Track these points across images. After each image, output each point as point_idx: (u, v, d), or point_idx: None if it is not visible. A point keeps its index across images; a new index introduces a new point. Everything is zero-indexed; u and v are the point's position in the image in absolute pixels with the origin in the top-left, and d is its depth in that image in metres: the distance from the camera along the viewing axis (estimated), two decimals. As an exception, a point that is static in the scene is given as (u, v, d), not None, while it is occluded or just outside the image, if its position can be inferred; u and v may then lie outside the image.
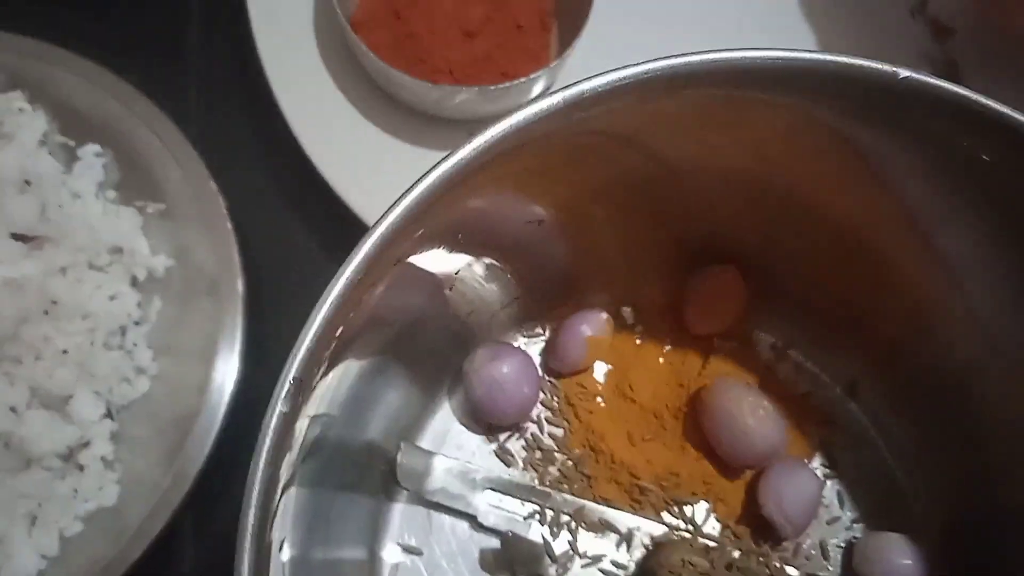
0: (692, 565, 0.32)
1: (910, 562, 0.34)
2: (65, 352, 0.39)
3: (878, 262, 0.33)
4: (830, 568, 0.35)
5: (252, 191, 0.46)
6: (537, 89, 0.46)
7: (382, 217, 0.24)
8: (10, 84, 0.44)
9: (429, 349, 0.33)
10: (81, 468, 0.39)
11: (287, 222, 0.46)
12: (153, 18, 0.49)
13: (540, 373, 0.35)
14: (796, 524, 0.34)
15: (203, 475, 0.39)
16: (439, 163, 0.24)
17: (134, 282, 0.42)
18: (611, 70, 0.25)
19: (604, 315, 0.35)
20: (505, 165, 0.25)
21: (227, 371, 0.40)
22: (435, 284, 0.31)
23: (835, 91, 0.26)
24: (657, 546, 0.33)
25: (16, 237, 0.40)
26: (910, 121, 0.27)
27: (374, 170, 0.44)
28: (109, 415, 0.40)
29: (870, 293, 0.35)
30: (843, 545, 0.35)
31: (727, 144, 0.31)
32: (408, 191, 0.24)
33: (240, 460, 0.41)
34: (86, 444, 0.40)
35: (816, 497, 0.34)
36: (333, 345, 0.23)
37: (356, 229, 0.42)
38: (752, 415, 0.33)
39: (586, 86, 0.25)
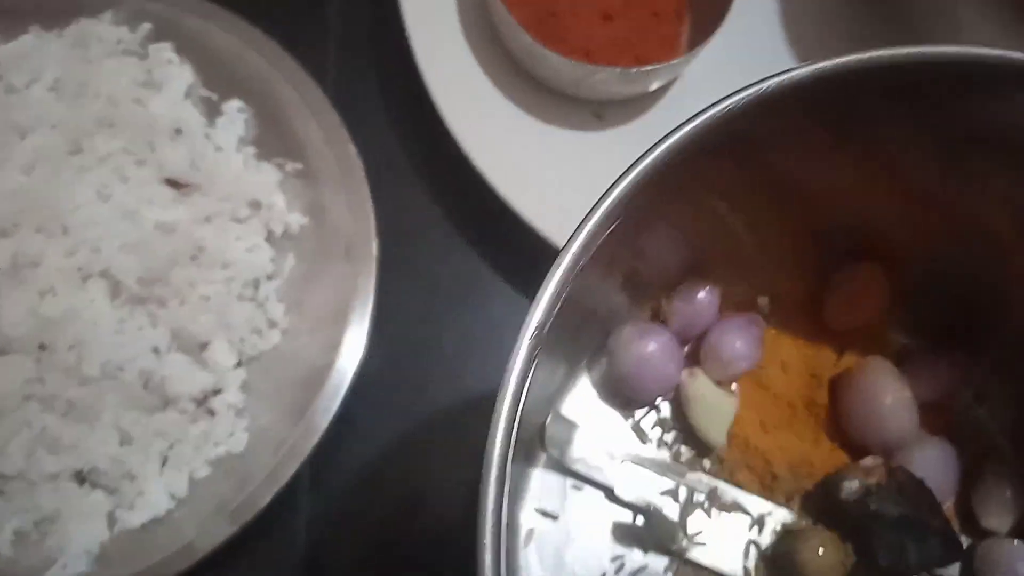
0: (826, 552, 0.32)
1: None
2: (206, 298, 0.40)
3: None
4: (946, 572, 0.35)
5: (385, 154, 0.47)
6: (669, 76, 0.47)
7: (609, 190, 0.24)
8: (160, 35, 0.45)
9: (576, 324, 0.33)
10: (212, 414, 0.40)
11: (417, 188, 0.47)
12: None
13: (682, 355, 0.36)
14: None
15: (328, 430, 0.40)
16: (658, 145, 0.25)
17: (269, 237, 0.43)
18: (798, 67, 0.26)
19: (758, 318, 0.36)
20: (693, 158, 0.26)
21: (357, 333, 0.41)
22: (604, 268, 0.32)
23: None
24: (788, 533, 0.34)
25: (168, 183, 0.41)
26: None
27: (505, 142, 0.45)
28: (240, 365, 0.41)
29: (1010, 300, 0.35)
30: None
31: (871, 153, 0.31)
32: (634, 165, 0.24)
33: (361, 421, 0.43)
34: (218, 391, 0.41)
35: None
36: (555, 310, 0.24)
37: (486, 199, 0.43)
38: (891, 395, 0.34)
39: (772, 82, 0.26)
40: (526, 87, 0.47)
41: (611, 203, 0.24)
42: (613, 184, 0.24)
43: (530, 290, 0.45)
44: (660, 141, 0.24)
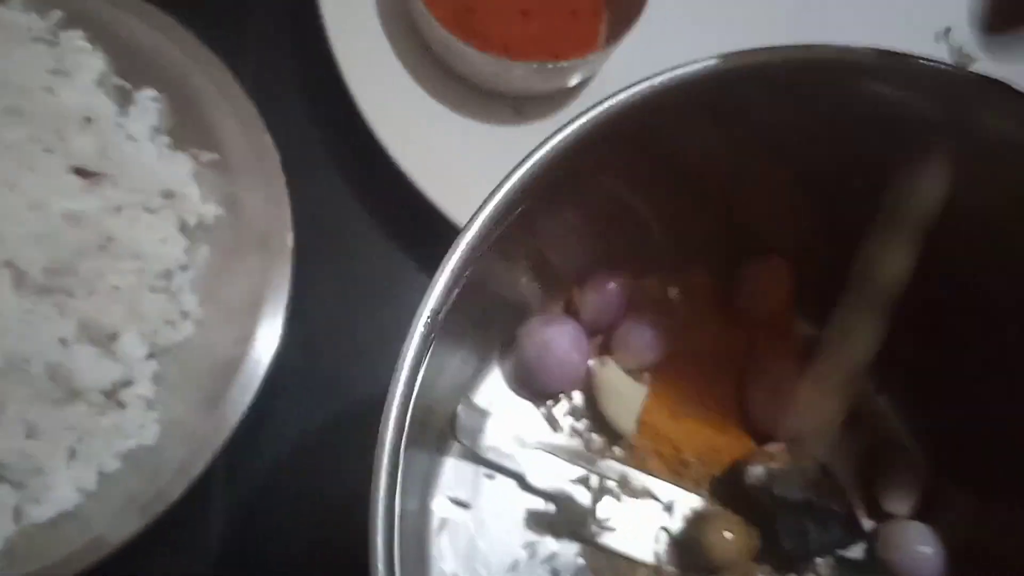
0: (732, 537, 0.33)
1: (931, 550, 0.35)
2: (116, 289, 0.40)
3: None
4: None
5: (303, 146, 0.46)
6: (586, 72, 0.47)
7: (508, 176, 0.24)
8: (72, 22, 0.44)
9: (485, 315, 0.34)
10: (122, 406, 0.40)
11: (335, 180, 0.47)
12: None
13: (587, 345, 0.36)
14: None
15: (241, 421, 0.39)
16: (558, 133, 0.25)
17: (183, 227, 0.43)
18: (696, 61, 0.26)
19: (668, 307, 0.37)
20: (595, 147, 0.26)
21: (272, 324, 0.41)
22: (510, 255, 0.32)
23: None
24: (697, 517, 0.35)
25: (77, 172, 0.40)
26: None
27: (424, 135, 0.45)
28: (152, 356, 0.41)
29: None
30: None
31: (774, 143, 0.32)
32: (534, 152, 0.25)
33: (277, 413, 0.43)
34: (128, 383, 0.40)
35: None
36: (452, 296, 0.24)
37: (404, 193, 0.43)
38: (788, 382, 0.35)
39: (677, 72, 0.26)
40: (445, 81, 0.47)
41: (509, 189, 0.24)
42: (513, 170, 0.24)
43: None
44: (559, 130, 0.25)
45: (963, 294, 0.34)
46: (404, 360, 0.23)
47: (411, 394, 0.23)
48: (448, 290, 0.24)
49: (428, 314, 0.24)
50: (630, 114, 0.26)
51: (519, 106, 0.48)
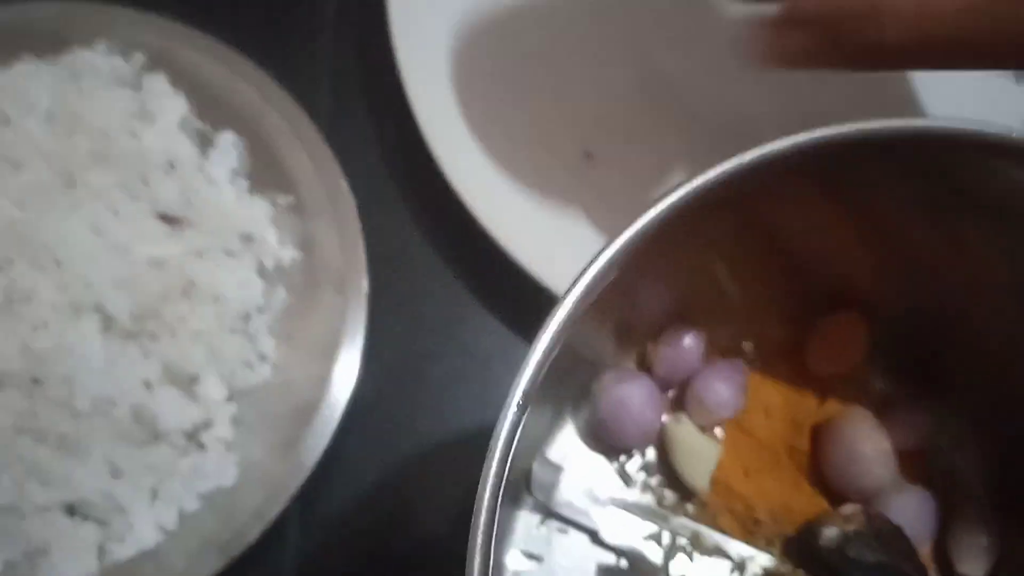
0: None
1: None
2: (197, 332, 0.41)
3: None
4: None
5: (376, 188, 0.47)
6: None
7: (606, 248, 0.25)
8: (154, 65, 0.46)
9: (563, 370, 0.34)
10: (203, 447, 0.41)
11: (407, 223, 0.47)
12: (291, 12, 0.51)
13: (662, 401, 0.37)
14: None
15: (318, 465, 0.40)
16: (657, 204, 0.25)
17: (261, 270, 0.44)
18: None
19: (742, 364, 0.37)
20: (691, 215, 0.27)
21: (348, 367, 0.41)
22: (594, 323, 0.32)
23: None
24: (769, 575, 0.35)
25: (161, 218, 0.42)
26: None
27: (496, 179, 0.45)
28: (231, 399, 0.42)
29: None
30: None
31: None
32: (631, 226, 0.25)
33: (349, 454, 0.43)
34: (208, 425, 0.41)
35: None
36: (543, 372, 0.25)
37: (475, 236, 0.44)
38: (871, 444, 0.35)
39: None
40: (519, 125, 0.47)
41: (604, 263, 0.24)
42: (608, 245, 0.25)
43: (517, 325, 0.46)
44: (659, 199, 0.25)
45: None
46: (499, 438, 0.24)
47: (504, 469, 0.24)
48: (539, 368, 0.24)
49: (521, 395, 0.24)
50: (733, 183, 0.26)
51: (591, 149, 0.48)
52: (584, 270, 0.25)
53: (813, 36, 0.30)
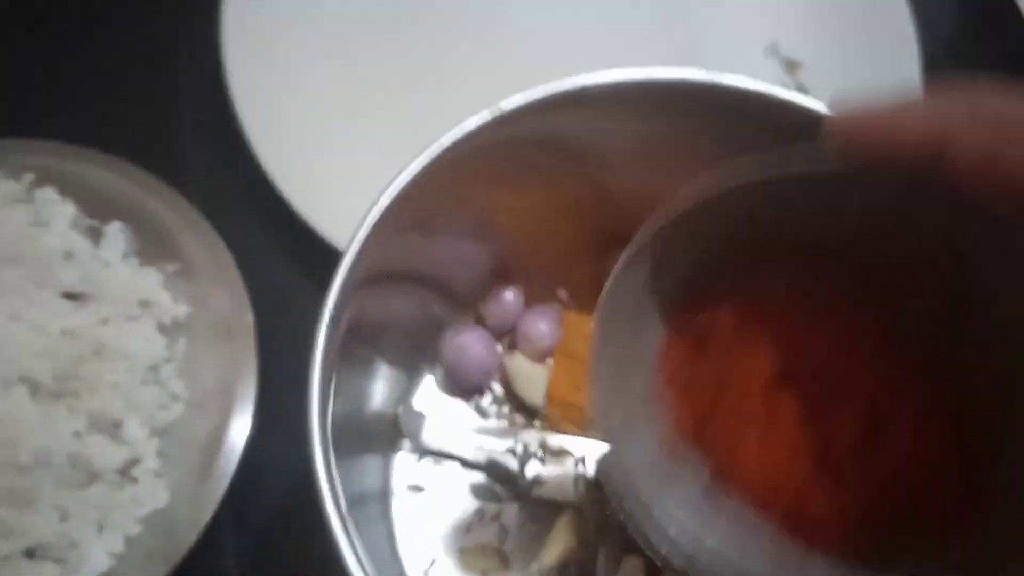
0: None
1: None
2: (115, 385, 0.48)
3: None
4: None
5: (253, 244, 0.55)
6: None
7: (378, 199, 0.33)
8: (42, 180, 0.54)
9: (408, 335, 0.42)
10: (135, 480, 0.48)
11: (285, 267, 0.56)
12: (152, 113, 0.60)
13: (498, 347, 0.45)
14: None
15: (235, 477, 0.47)
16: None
17: (161, 327, 0.51)
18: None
19: (558, 306, 0.46)
20: (459, 169, 0.35)
21: (246, 396, 0.49)
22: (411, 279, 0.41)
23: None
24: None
25: (66, 296, 0.49)
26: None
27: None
28: (153, 436, 0.49)
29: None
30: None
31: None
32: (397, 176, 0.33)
33: (264, 464, 0.50)
34: (136, 461, 0.48)
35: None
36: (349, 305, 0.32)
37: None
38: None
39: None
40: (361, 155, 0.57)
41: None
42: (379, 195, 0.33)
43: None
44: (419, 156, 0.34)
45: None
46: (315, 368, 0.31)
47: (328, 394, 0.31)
48: (343, 292, 0.32)
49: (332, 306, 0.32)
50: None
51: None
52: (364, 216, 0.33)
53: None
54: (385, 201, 0.33)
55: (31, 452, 0.45)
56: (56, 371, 0.47)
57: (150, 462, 0.48)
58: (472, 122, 0.35)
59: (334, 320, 0.32)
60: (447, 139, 0.34)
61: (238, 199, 0.57)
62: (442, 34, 0.60)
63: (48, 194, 0.53)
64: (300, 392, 0.53)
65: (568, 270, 0.46)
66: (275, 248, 0.56)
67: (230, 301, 0.51)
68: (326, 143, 0.56)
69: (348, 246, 0.32)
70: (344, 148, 0.56)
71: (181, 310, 0.51)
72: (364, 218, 0.33)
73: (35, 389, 0.47)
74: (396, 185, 0.33)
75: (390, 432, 0.42)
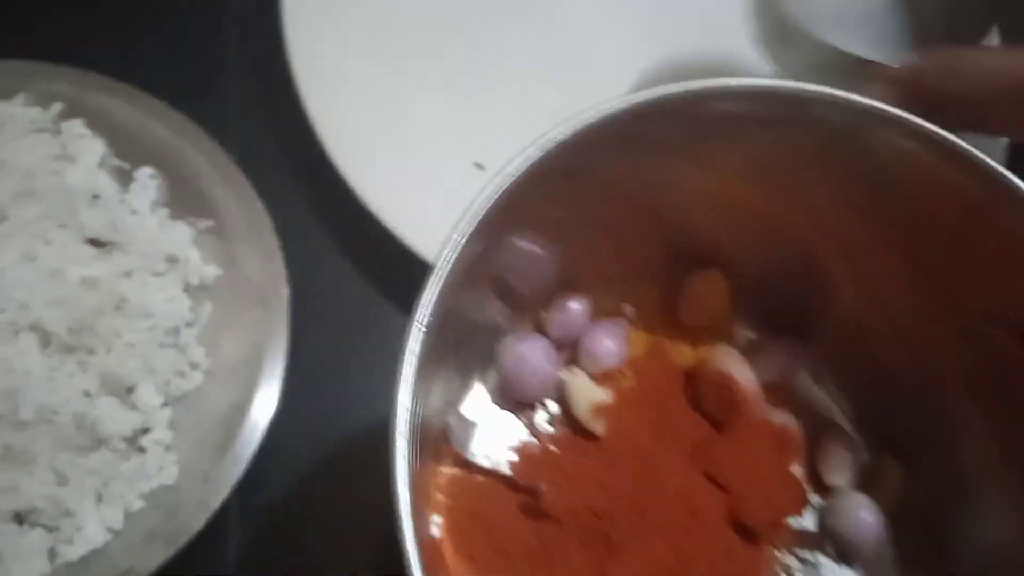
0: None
1: (871, 516, 0.40)
2: (131, 345, 0.44)
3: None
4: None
5: (290, 207, 0.51)
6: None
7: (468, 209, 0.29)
8: (71, 112, 0.49)
9: (464, 337, 0.39)
10: (143, 451, 0.44)
11: (322, 235, 0.52)
12: (197, 53, 0.55)
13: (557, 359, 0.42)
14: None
15: (251, 461, 0.44)
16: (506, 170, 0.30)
17: (187, 288, 0.47)
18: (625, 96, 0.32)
19: (624, 322, 0.42)
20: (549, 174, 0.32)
21: (273, 371, 0.45)
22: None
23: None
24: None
25: (90, 242, 0.45)
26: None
27: (403, 191, 0.50)
28: (167, 405, 0.45)
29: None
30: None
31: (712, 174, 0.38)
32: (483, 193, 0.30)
33: (281, 448, 0.47)
34: (147, 430, 0.44)
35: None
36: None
37: (384, 241, 0.48)
38: (736, 374, 0.40)
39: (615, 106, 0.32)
40: (417, 137, 0.53)
41: (472, 221, 0.29)
42: (471, 204, 0.29)
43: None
44: (508, 165, 0.30)
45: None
46: (402, 381, 0.28)
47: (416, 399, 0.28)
48: (435, 304, 0.29)
49: (422, 322, 0.28)
50: (574, 146, 0.31)
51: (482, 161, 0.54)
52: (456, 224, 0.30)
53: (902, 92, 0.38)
54: (482, 208, 0.29)
55: (33, 407, 0.41)
56: (71, 323, 0.43)
57: (161, 433, 0.44)
58: (579, 119, 0.31)
59: (428, 332, 0.28)
60: (549, 139, 0.31)
61: (279, 157, 0.54)
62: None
63: (76, 127, 0.49)
64: (328, 370, 0.50)
65: (636, 285, 0.43)
66: (313, 214, 0.53)
67: (264, 267, 0.47)
68: (387, 117, 0.53)
69: (443, 253, 0.29)
70: (406, 125, 0.53)
71: (210, 271, 0.48)
72: (458, 227, 0.29)
73: (45, 340, 0.43)
74: (495, 188, 0.30)
75: (437, 440, 0.39)
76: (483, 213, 0.29)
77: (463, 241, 0.29)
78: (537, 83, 0.56)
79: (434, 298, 0.29)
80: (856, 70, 0.42)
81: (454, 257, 0.29)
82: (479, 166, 0.53)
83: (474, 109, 0.54)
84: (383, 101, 0.53)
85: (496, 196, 0.29)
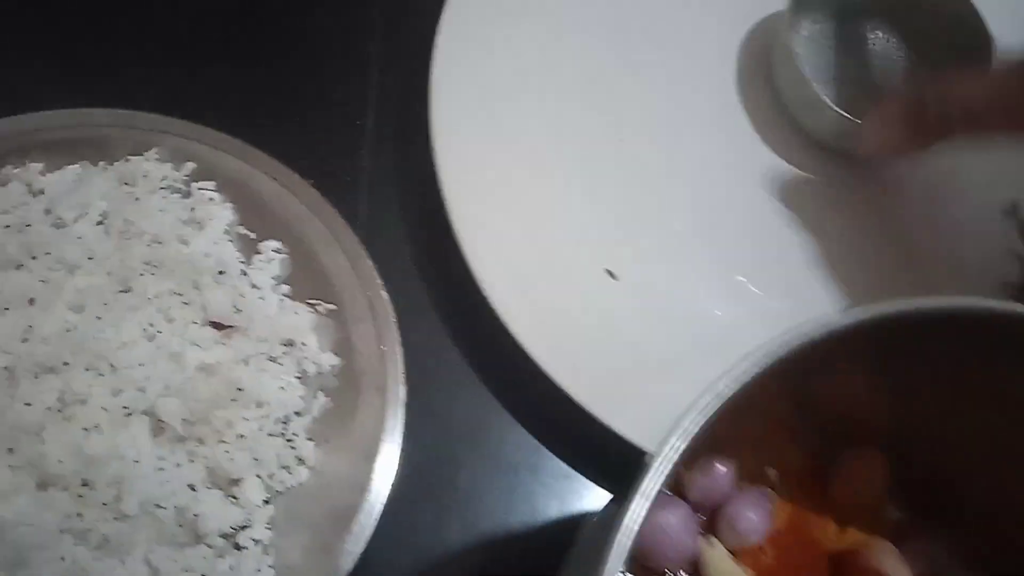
0: None
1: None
2: (242, 437, 0.42)
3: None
4: None
5: (411, 296, 0.49)
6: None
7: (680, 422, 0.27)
8: (203, 174, 0.48)
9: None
10: (240, 548, 0.42)
11: (439, 328, 0.50)
12: (332, 126, 0.53)
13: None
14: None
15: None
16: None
17: (302, 375, 0.45)
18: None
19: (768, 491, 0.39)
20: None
21: (384, 474, 0.43)
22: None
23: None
24: None
25: (212, 324, 0.43)
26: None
27: (531, 295, 0.48)
28: (268, 502, 0.43)
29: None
30: None
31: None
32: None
33: (380, 556, 0.45)
34: (245, 526, 0.42)
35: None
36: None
37: (503, 344, 0.46)
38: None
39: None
40: (550, 241, 0.50)
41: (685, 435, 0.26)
42: (683, 417, 0.27)
43: (543, 434, 0.47)
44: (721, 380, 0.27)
45: None
46: None
47: None
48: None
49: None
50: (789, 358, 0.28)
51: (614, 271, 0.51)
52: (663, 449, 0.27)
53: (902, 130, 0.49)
54: (695, 425, 0.27)
55: (139, 500, 0.40)
56: (187, 414, 0.41)
57: (259, 531, 0.42)
58: (799, 335, 0.28)
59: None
60: (768, 355, 0.28)
61: (404, 242, 0.51)
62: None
63: (207, 191, 0.47)
64: (434, 477, 0.47)
65: (784, 449, 0.40)
66: (433, 302, 0.50)
67: (382, 361, 0.45)
68: (522, 216, 0.50)
69: (651, 476, 0.26)
70: (540, 225, 0.50)
71: (326, 360, 0.45)
72: (671, 444, 0.27)
73: (158, 428, 0.41)
74: (710, 404, 0.27)
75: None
76: (696, 431, 0.26)
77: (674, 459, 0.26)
78: (674, 197, 0.53)
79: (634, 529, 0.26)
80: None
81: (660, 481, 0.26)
82: (611, 274, 0.50)
83: (610, 216, 0.51)
84: (519, 199, 0.50)
85: (710, 414, 0.26)
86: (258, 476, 0.43)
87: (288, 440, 0.44)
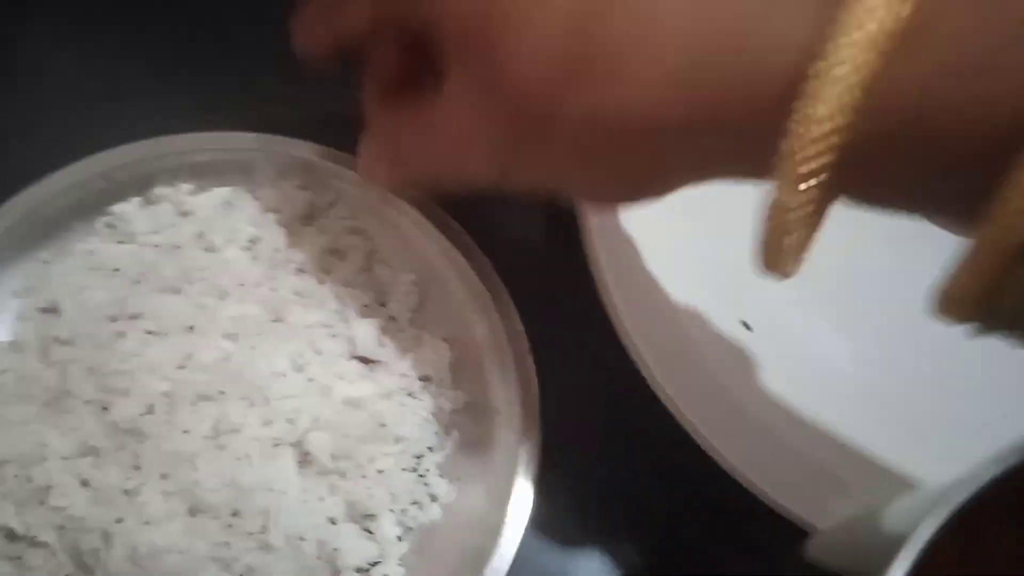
0: None
1: None
2: (381, 472, 0.42)
3: None
4: None
5: (549, 334, 0.48)
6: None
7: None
8: (343, 202, 0.48)
9: None
10: (372, 585, 0.42)
11: (578, 371, 0.49)
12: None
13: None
14: None
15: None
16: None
17: (437, 412, 0.45)
18: None
19: None
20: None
21: (518, 516, 0.42)
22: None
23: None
24: None
25: (358, 359, 0.43)
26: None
27: (671, 345, 0.47)
28: (401, 539, 0.43)
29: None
30: None
31: None
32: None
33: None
34: (378, 562, 0.42)
35: None
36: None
37: (647, 400, 0.45)
38: None
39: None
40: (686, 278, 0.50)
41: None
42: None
43: (689, 491, 0.46)
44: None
45: None
46: None
47: None
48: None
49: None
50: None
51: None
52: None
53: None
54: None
55: (285, 532, 0.40)
56: (335, 449, 0.41)
57: (392, 568, 0.42)
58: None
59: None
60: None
61: (539, 273, 0.50)
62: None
63: (346, 219, 0.48)
64: (565, 524, 0.47)
65: None
66: (571, 346, 0.49)
67: (520, 401, 0.45)
68: (662, 257, 0.50)
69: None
70: (677, 269, 0.50)
71: (461, 397, 0.45)
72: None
73: (304, 460, 0.41)
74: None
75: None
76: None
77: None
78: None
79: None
80: None
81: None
82: (746, 325, 0.50)
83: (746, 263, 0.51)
84: (661, 241, 0.50)
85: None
86: (391, 511, 0.43)
87: (421, 475, 0.44)
